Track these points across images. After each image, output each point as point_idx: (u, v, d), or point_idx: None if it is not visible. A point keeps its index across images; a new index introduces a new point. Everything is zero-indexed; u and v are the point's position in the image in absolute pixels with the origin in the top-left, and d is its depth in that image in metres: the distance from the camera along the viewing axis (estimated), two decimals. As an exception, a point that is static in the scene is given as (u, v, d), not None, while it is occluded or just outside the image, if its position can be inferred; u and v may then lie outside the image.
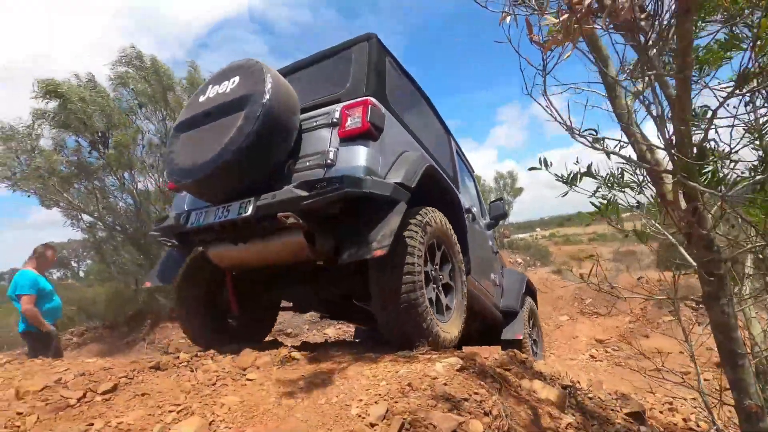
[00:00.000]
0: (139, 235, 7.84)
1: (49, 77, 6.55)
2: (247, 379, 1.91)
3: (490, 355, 2.38)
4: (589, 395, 2.49)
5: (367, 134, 2.31)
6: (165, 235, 2.62)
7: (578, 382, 2.73)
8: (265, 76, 2.34)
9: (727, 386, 1.58)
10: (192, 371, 2.09)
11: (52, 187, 6.69)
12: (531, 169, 1.51)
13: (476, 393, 1.45)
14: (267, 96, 2.26)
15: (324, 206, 2.13)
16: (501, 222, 4.89)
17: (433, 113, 3.62)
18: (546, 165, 1.49)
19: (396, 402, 1.36)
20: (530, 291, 4.77)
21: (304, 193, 2.10)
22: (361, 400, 1.46)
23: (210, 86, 2.57)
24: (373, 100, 2.43)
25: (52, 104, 6.45)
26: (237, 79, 2.44)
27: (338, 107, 2.44)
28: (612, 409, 2.50)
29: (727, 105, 1.11)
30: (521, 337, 4.10)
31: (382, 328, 2.37)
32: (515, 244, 20.02)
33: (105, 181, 7.51)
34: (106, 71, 7.41)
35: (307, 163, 2.40)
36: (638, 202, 1.64)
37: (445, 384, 1.46)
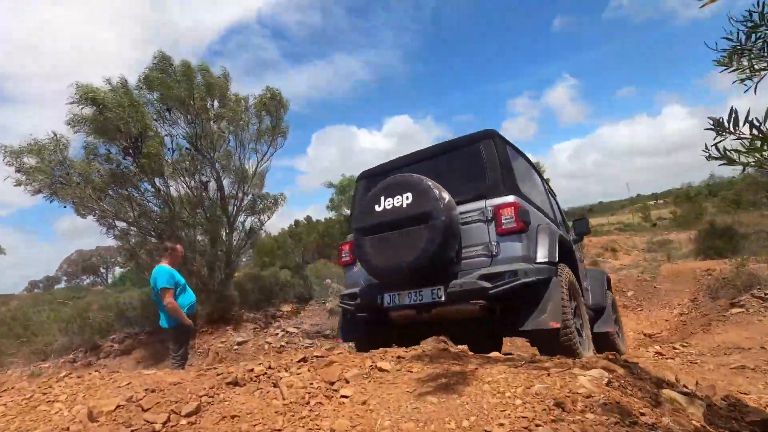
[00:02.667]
0: (173, 239, 7.79)
1: (87, 83, 6.51)
2: (342, 396, 1.70)
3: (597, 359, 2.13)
4: (707, 403, 2.20)
5: (521, 230, 2.89)
6: (359, 310, 3.35)
7: (685, 386, 2.45)
8: (435, 194, 2.90)
9: None
10: (275, 386, 1.91)
11: (88, 195, 6.67)
12: (709, 130, 1.26)
13: (642, 413, 1.21)
14: (444, 213, 2.83)
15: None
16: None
17: (532, 168, 4.03)
18: (735, 121, 1.22)
19: (556, 427, 1.14)
20: (608, 283, 5.09)
21: (488, 285, 2.77)
22: (502, 425, 1.23)
23: (382, 197, 3.13)
24: (520, 201, 3.00)
25: (88, 110, 6.39)
26: (410, 195, 3.00)
27: (489, 206, 3.01)
28: (734, 419, 2.21)
29: None
30: (613, 330, 4.48)
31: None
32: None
33: (139, 187, 7.46)
34: (133, 77, 7.35)
35: (473, 252, 2.99)
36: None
37: (605, 403, 1.22)
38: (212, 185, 8.22)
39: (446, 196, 2.98)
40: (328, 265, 12.16)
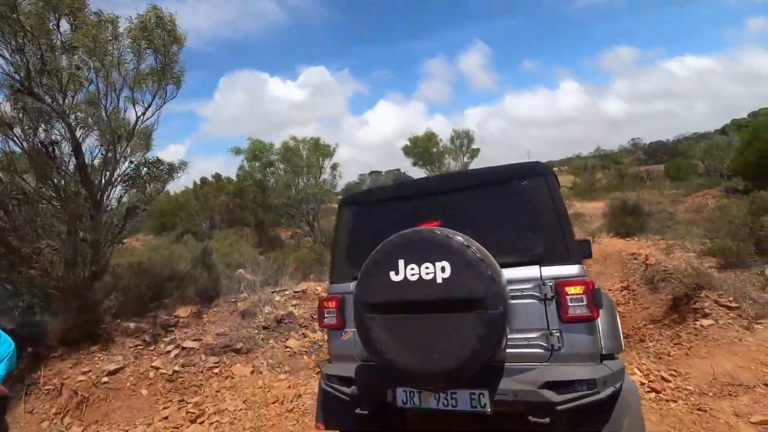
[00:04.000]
0: (9, 227, 5.33)
1: None
2: None
3: None
4: None
5: (593, 318, 2.22)
6: (357, 403, 2.51)
7: None
8: (487, 269, 2.12)
9: None
10: None
11: None
12: None
13: None
14: (502, 300, 2.08)
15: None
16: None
17: None
18: None
19: None
20: None
21: (555, 398, 2.08)
22: None
23: (401, 261, 2.25)
24: (592, 281, 2.30)
25: None
26: (447, 266, 2.16)
27: (548, 279, 2.31)
28: None
29: None
30: None
31: None
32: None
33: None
34: None
35: (524, 341, 2.30)
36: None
37: None
38: (66, 147, 5.73)
39: (500, 269, 2.19)
40: (239, 244, 10.11)
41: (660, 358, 5.06)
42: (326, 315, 2.80)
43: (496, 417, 2.26)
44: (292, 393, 4.80)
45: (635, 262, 10.20)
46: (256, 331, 6.44)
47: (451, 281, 2.12)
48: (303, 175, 14.41)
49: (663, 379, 4.22)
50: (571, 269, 2.32)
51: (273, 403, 4.67)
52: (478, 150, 20.46)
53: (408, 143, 21.45)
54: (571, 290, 2.22)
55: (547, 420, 2.09)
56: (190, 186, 27.44)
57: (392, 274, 2.25)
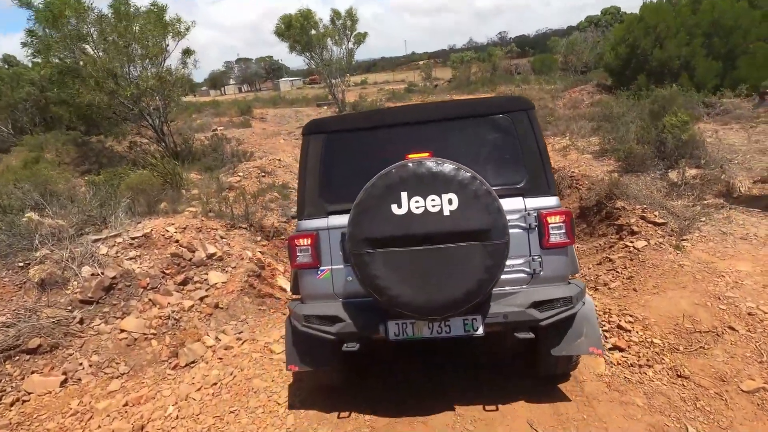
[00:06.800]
0: None
1: None
2: None
3: None
4: None
5: (571, 244, 2.48)
6: (347, 339, 2.50)
7: None
8: (495, 201, 2.18)
9: None
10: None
11: None
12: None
13: None
14: (506, 232, 2.20)
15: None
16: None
17: None
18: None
19: None
20: None
21: (539, 315, 2.33)
22: None
23: (404, 194, 2.22)
24: (570, 211, 2.52)
25: None
26: (454, 198, 2.19)
27: (532, 210, 2.46)
28: None
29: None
30: None
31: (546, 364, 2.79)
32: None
33: None
34: None
35: (509, 267, 2.40)
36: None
37: None
38: None
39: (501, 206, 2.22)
40: (41, 165, 6.65)
41: (597, 289, 4.49)
42: (299, 254, 2.62)
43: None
44: (129, 426, 3.02)
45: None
46: (67, 311, 4.21)
47: (459, 213, 2.16)
48: (136, 59, 10.43)
49: (620, 328, 3.52)
50: (550, 201, 2.49)
51: (94, 451, 2.87)
52: (364, 34, 17.64)
53: (280, 24, 17.48)
54: (553, 220, 2.41)
55: (531, 335, 2.37)
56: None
57: (394, 207, 2.21)
